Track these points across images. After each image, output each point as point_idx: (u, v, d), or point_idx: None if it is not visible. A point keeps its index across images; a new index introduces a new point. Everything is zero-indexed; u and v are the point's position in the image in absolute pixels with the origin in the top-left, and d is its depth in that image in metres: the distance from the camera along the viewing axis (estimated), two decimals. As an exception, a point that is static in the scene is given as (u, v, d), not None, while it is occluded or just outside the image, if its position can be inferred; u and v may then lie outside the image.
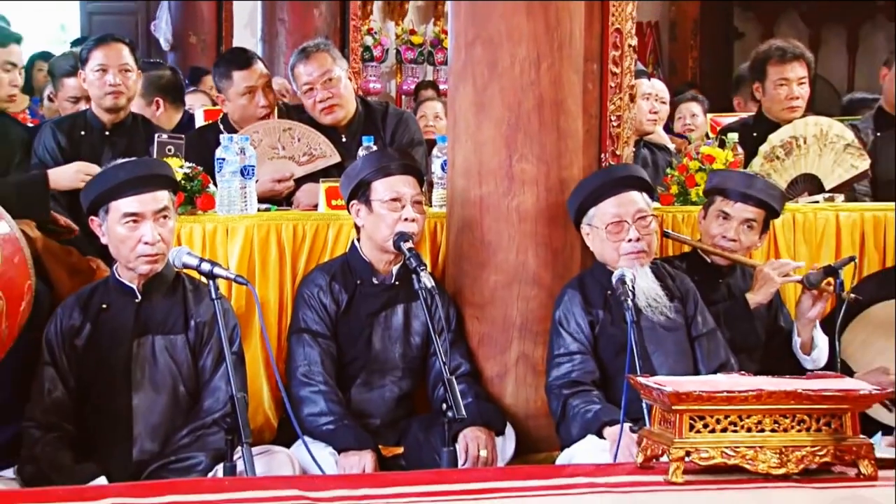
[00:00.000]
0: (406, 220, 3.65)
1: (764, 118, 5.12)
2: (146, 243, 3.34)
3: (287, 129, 4.49)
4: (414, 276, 3.51)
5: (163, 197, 3.41)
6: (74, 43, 8.03)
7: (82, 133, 4.47)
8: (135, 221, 3.36)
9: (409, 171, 3.73)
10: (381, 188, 3.67)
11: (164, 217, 3.40)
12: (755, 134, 4.92)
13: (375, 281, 3.74)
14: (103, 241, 3.46)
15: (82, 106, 4.84)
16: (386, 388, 3.72)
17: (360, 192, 3.70)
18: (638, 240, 3.59)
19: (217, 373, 3.41)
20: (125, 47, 4.54)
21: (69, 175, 4.11)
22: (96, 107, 4.53)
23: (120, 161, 3.54)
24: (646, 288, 3.56)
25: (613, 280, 3.52)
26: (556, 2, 3.72)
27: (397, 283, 3.74)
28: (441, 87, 9.33)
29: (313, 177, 4.36)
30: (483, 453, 3.47)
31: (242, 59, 4.81)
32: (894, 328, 4.05)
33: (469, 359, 3.76)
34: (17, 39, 4.22)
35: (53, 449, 3.27)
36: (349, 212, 3.78)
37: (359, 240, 3.78)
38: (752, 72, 5.29)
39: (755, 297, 3.95)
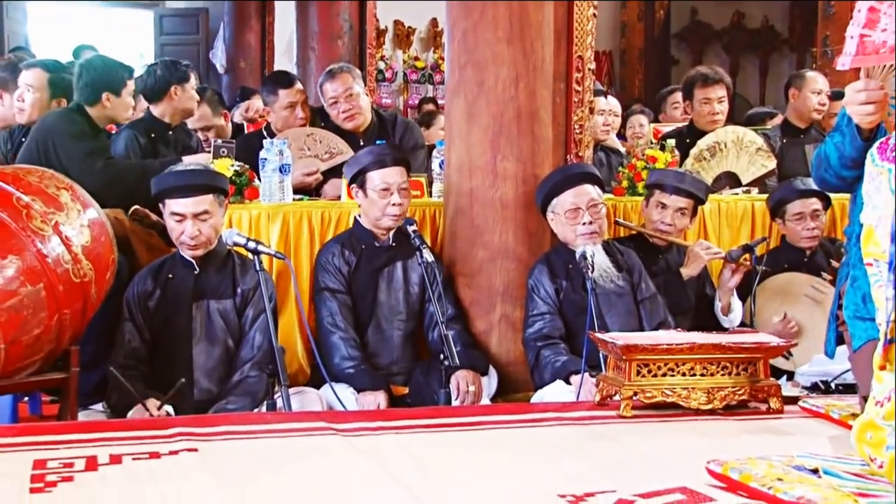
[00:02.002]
0: (393, 205, 3.62)
1: (694, 128, 5.09)
2: (188, 236, 3.33)
3: (309, 135, 4.45)
4: (417, 252, 3.49)
5: (204, 201, 3.34)
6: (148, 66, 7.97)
7: (152, 134, 4.42)
8: (179, 220, 3.33)
9: (399, 163, 3.68)
10: (377, 178, 3.63)
11: (204, 219, 3.34)
12: (688, 140, 4.89)
13: (377, 244, 3.70)
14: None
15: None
16: (394, 331, 3.67)
17: (359, 179, 3.67)
18: (591, 223, 3.55)
19: (253, 327, 3.37)
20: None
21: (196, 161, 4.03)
22: (166, 115, 4.47)
23: (179, 167, 3.49)
24: (599, 262, 3.54)
25: (577, 255, 3.50)
26: (530, 33, 3.68)
27: (394, 244, 3.71)
28: (439, 101, 9.27)
29: (336, 172, 4.32)
30: (472, 388, 3.45)
31: (286, 80, 4.79)
32: (783, 295, 4.11)
33: (454, 304, 3.70)
34: (132, 73, 4.21)
35: (130, 381, 3.23)
36: (349, 191, 3.73)
37: (360, 215, 3.75)
38: (682, 92, 5.28)
39: (687, 271, 3.95)
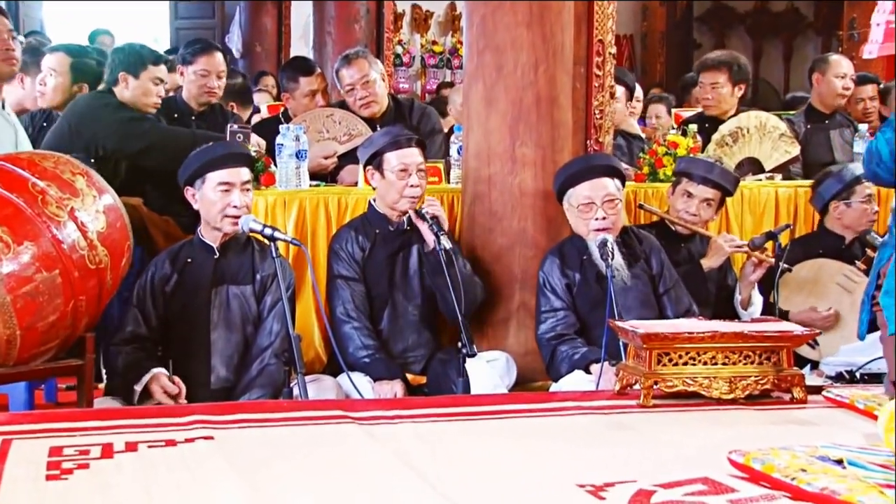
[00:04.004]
0: (411, 186, 3.61)
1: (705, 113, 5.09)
2: (234, 206, 3.34)
3: (329, 115, 4.45)
4: (435, 238, 3.48)
5: (246, 173, 3.43)
6: (165, 52, 8.00)
7: (175, 115, 4.42)
8: (226, 190, 3.35)
9: (416, 144, 3.67)
10: (394, 159, 3.61)
11: (247, 189, 3.41)
12: (708, 125, 4.87)
13: (391, 228, 3.69)
14: (195, 207, 3.43)
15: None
16: (410, 314, 3.67)
17: (375, 160, 3.66)
18: (604, 218, 3.52)
19: (270, 314, 3.38)
20: (222, 55, 4.50)
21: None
22: (191, 98, 4.47)
23: (213, 143, 3.53)
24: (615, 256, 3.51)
25: (596, 243, 3.48)
26: (550, 17, 3.66)
27: (409, 227, 3.69)
28: (457, 86, 9.24)
29: (353, 158, 4.32)
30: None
31: (307, 67, 4.80)
32: (811, 284, 4.08)
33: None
34: (165, 61, 4.21)
35: (128, 354, 3.27)
36: (365, 174, 3.73)
37: (374, 199, 3.74)
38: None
39: (709, 263, 3.92)
